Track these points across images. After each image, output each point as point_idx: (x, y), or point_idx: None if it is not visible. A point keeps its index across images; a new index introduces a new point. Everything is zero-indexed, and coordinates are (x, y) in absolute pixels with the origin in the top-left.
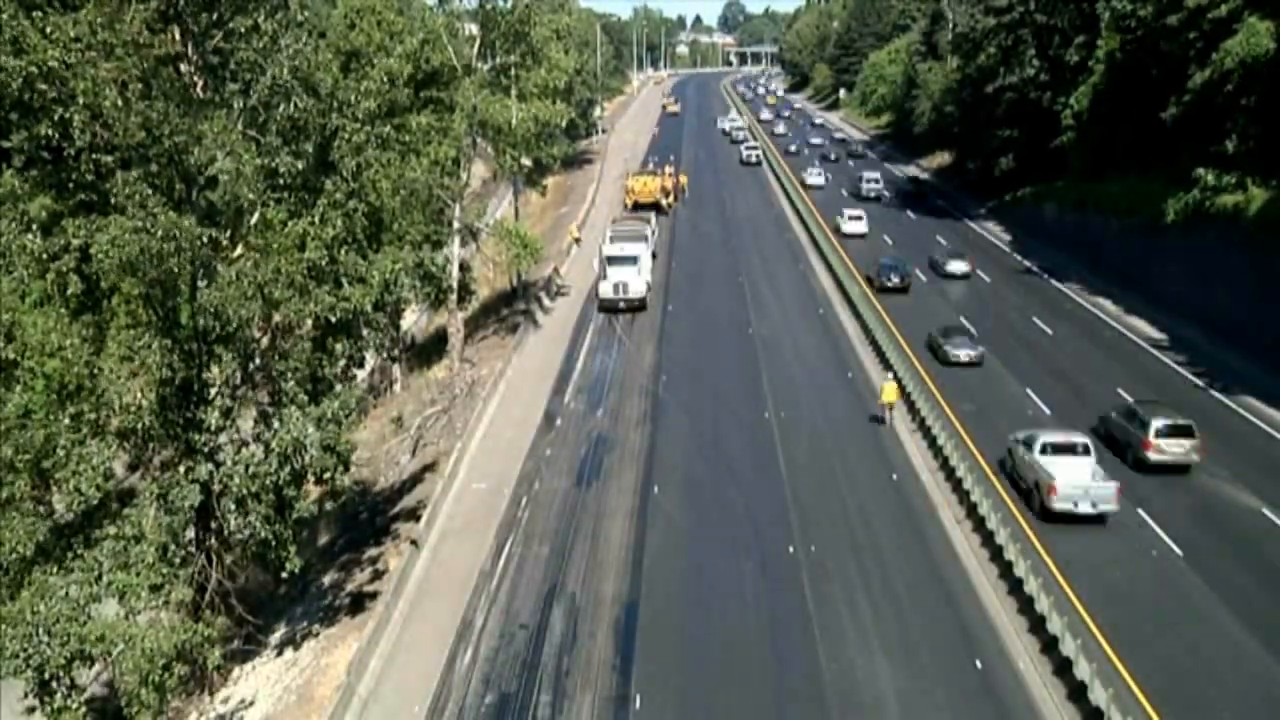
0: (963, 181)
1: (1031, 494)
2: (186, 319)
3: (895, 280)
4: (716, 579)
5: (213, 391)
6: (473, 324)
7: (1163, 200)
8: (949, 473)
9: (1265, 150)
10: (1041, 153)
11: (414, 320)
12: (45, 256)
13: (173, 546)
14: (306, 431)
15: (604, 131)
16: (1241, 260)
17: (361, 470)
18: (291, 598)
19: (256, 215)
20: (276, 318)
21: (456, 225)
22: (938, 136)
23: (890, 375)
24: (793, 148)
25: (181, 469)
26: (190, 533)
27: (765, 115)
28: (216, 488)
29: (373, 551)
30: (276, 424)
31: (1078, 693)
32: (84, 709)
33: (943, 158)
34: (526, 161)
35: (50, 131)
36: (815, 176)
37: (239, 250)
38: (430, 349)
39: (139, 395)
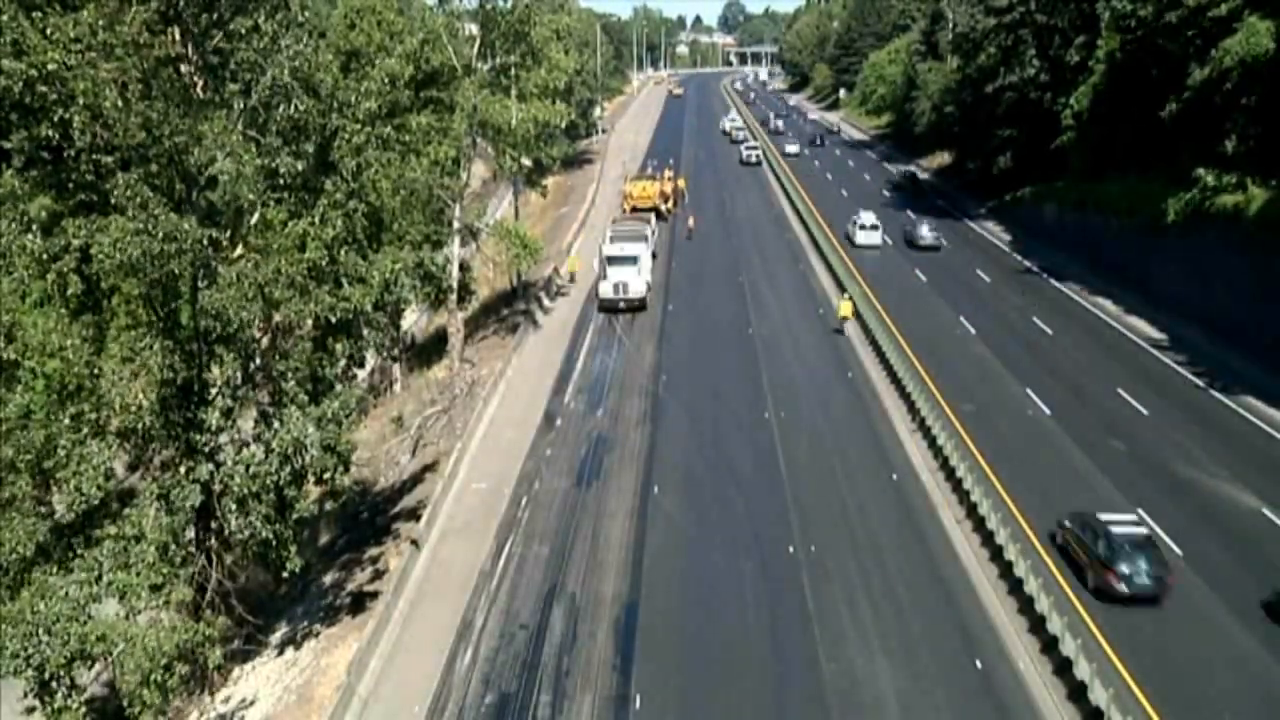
0: (963, 181)
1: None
2: (187, 319)
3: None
4: (716, 579)
5: (213, 391)
6: (473, 324)
7: (1163, 200)
8: (949, 473)
9: (1265, 150)
10: (1041, 153)
11: (414, 320)
12: (45, 257)
13: (173, 546)
14: (307, 431)
15: (604, 131)
16: (1241, 260)
17: (362, 470)
18: (292, 597)
19: (257, 216)
20: (277, 318)
21: (456, 225)
22: (938, 136)
23: (845, 294)
24: (772, 125)
25: (182, 469)
26: (190, 533)
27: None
28: (217, 488)
29: (373, 551)
30: (277, 424)
31: (1078, 693)
32: (84, 709)
33: (943, 158)
34: (526, 162)
35: (50, 132)
36: (791, 145)
37: (239, 251)
38: (430, 349)
39: (139, 395)
